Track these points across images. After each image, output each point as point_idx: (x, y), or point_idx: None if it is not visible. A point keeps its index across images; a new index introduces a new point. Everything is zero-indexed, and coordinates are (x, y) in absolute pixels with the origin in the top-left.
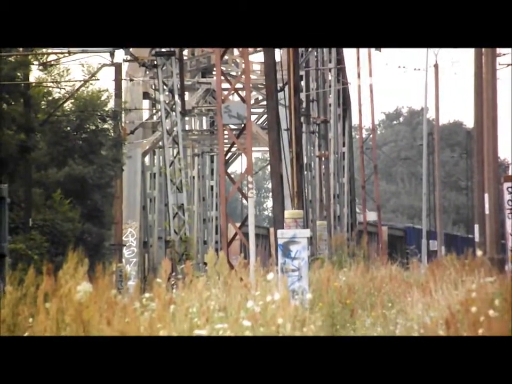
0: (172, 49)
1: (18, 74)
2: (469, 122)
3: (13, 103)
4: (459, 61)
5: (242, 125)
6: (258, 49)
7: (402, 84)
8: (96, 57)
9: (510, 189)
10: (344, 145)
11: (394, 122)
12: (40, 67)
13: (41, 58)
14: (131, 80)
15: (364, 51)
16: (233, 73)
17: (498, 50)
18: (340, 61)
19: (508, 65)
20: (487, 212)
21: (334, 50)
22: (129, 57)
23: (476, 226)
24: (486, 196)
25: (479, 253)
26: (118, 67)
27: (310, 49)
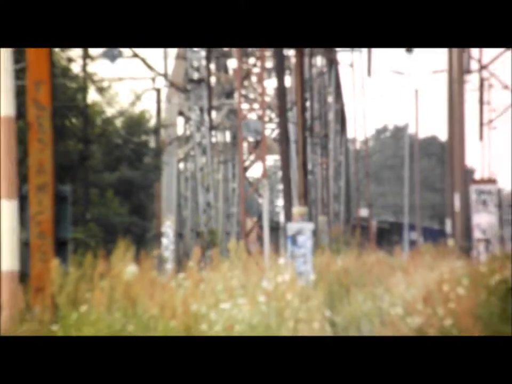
0: (202, 77)
1: (79, 97)
2: (443, 136)
3: (74, 120)
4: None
5: (259, 138)
6: (272, 75)
7: (389, 104)
8: (141, 83)
9: (475, 191)
10: (341, 155)
11: (382, 136)
12: (96, 91)
13: (97, 84)
14: (169, 101)
15: (358, 76)
16: (251, 96)
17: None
18: (338, 84)
19: (474, 90)
20: (457, 209)
21: (333, 76)
22: (167, 84)
23: (448, 221)
24: (456, 196)
25: (450, 242)
26: (158, 91)
27: (314, 76)
